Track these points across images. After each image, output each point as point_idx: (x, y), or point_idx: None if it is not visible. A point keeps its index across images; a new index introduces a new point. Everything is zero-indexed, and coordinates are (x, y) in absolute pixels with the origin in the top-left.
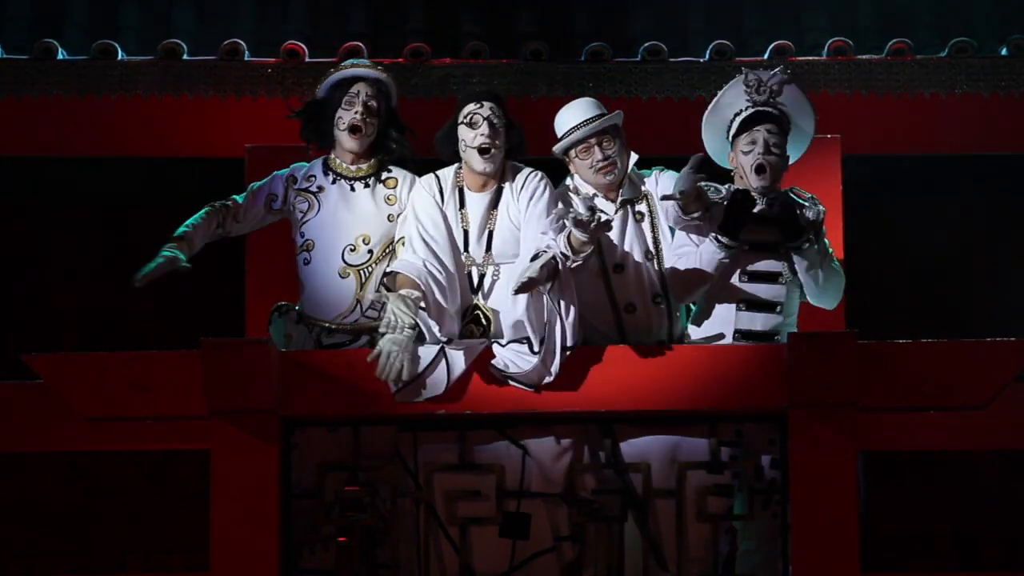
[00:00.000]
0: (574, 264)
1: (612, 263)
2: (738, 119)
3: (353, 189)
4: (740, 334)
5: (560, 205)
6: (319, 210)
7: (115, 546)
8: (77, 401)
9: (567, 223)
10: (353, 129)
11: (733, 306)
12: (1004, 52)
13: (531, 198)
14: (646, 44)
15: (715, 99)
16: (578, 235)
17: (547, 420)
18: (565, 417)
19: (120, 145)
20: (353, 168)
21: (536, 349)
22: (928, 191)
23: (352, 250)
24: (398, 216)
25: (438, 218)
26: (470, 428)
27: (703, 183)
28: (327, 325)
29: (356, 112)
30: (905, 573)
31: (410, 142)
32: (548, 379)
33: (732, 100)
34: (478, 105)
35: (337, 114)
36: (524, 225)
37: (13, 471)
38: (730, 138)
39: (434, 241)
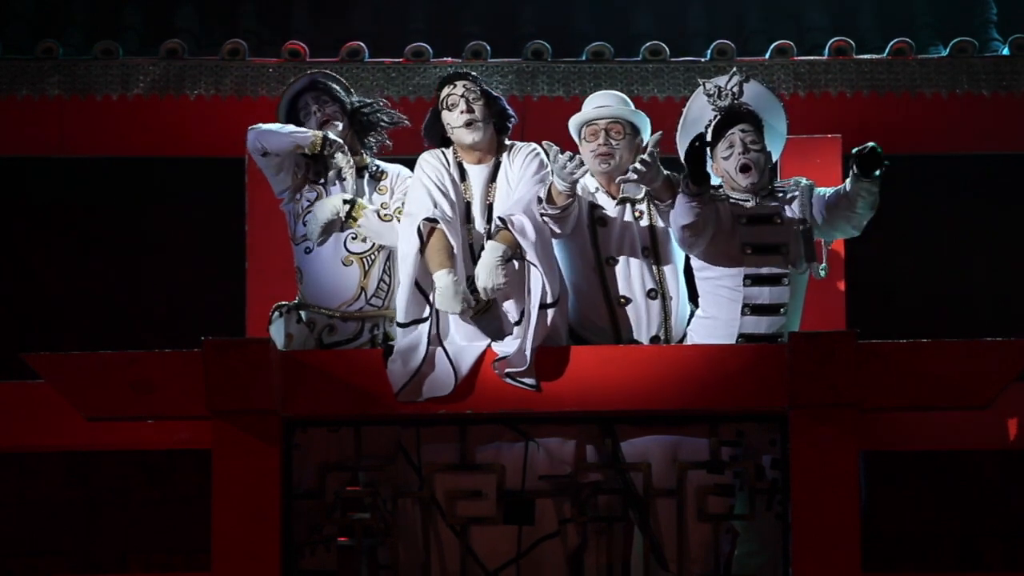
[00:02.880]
0: (553, 212)
1: (607, 256)
2: (710, 129)
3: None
4: (744, 338)
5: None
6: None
7: (115, 546)
8: (77, 401)
9: (546, 162)
10: (323, 127)
11: (737, 310)
12: (1005, 52)
13: (524, 160)
14: (647, 44)
15: (682, 118)
16: (559, 184)
17: (547, 420)
18: (565, 417)
19: (120, 145)
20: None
21: (518, 319)
22: (928, 191)
23: (354, 238)
24: (393, 209)
25: (448, 184)
26: (472, 425)
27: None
28: (330, 313)
29: (316, 124)
30: (905, 573)
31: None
32: (530, 350)
33: (699, 114)
34: (451, 87)
35: (307, 127)
36: (515, 184)
37: (13, 471)
38: (709, 152)
39: (447, 203)
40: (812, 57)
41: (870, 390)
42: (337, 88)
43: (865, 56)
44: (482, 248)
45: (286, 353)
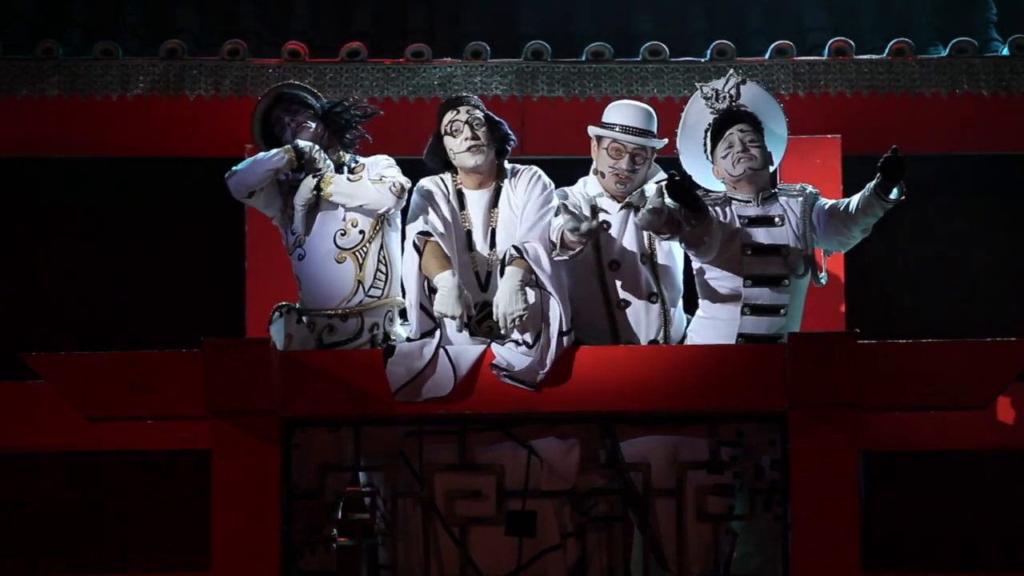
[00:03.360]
0: (559, 258)
1: (608, 260)
2: (708, 134)
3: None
4: (744, 338)
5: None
6: (308, 208)
7: (115, 546)
8: (77, 401)
9: (548, 184)
10: (298, 135)
11: (737, 310)
12: (1004, 52)
13: (527, 184)
14: (647, 44)
15: (681, 122)
16: (570, 236)
17: (547, 420)
18: (566, 417)
19: (120, 145)
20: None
21: (531, 343)
22: (929, 191)
23: (343, 234)
24: (366, 178)
25: (442, 205)
26: (473, 429)
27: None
28: (332, 312)
29: (291, 134)
30: (905, 573)
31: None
32: (543, 372)
33: (697, 118)
34: (455, 112)
35: (284, 141)
36: (521, 210)
37: (13, 471)
38: (708, 155)
39: (438, 220)
40: (812, 57)
41: (870, 390)
42: (305, 95)
43: (865, 56)
44: (488, 274)
45: (286, 353)
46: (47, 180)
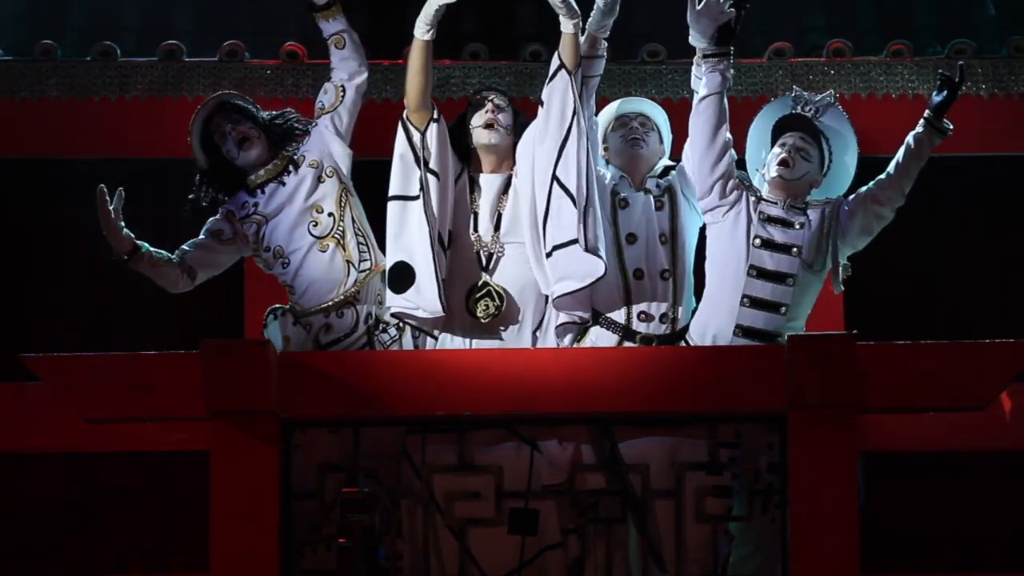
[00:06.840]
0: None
1: (626, 233)
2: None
3: (283, 183)
4: (741, 330)
5: None
6: (268, 221)
7: (115, 547)
8: (77, 402)
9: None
10: (242, 145)
11: (737, 300)
12: (1004, 53)
13: None
14: (646, 45)
15: (760, 113)
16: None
17: (547, 421)
18: (565, 418)
19: (120, 146)
20: (270, 167)
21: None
22: (928, 191)
23: (315, 225)
24: (325, 168)
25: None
26: (474, 429)
27: None
28: (330, 305)
29: (233, 143)
30: (905, 573)
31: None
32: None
33: (774, 116)
34: (487, 92)
35: (225, 151)
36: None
37: (13, 471)
38: (769, 148)
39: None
40: (810, 58)
41: (869, 390)
42: (247, 105)
43: (863, 57)
44: (490, 255)
45: (285, 354)
46: (47, 180)
